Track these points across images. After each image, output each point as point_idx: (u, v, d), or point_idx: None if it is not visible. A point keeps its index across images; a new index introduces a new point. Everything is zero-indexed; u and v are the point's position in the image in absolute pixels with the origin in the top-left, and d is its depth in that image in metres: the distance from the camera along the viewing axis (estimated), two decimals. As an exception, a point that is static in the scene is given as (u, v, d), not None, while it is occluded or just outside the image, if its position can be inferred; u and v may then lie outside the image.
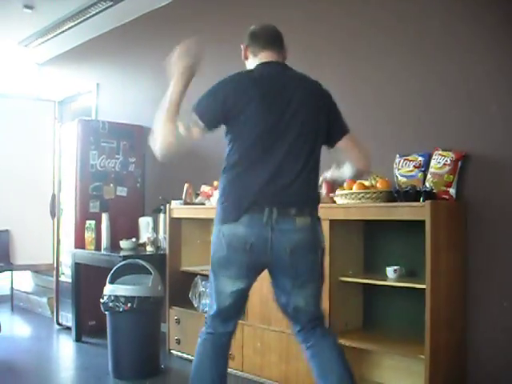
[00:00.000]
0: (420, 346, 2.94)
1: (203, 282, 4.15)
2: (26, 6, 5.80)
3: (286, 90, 2.42)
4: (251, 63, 2.60)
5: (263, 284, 3.62)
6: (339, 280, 3.34)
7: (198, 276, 4.26)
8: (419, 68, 3.54)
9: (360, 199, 3.25)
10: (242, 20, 4.74)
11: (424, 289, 2.89)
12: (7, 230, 6.74)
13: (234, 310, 2.53)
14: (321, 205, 3.38)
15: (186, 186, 4.45)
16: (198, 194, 4.40)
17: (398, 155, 3.46)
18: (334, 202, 3.43)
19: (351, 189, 3.34)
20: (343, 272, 3.39)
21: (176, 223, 4.50)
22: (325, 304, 3.28)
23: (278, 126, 2.37)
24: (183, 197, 4.43)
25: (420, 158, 3.35)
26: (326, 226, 3.28)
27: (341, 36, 4.01)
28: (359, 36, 3.89)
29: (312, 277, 2.45)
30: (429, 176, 3.25)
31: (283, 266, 2.40)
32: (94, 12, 5.75)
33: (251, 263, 2.40)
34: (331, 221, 3.30)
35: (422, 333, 2.91)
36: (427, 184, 3.22)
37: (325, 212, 3.33)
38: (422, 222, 2.91)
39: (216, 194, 4.13)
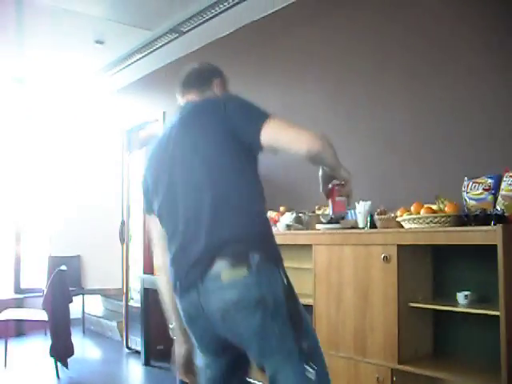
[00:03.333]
0: (495, 374, 2.84)
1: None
2: (97, 41, 6.07)
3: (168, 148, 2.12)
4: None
5: (330, 308, 3.63)
6: (408, 306, 3.27)
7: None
8: (486, 86, 3.48)
9: (428, 223, 3.20)
10: (310, 46, 4.81)
11: (498, 316, 2.81)
12: (78, 256, 6.99)
13: None
14: (387, 229, 3.41)
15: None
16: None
17: (466, 178, 3.39)
18: (401, 226, 3.39)
19: (418, 213, 3.29)
20: (412, 298, 3.33)
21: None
22: (393, 330, 3.24)
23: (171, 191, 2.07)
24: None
25: (490, 180, 3.27)
26: (393, 251, 3.27)
27: (401, 53, 4.00)
28: (420, 53, 3.87)
29: (266, 349, 1.89)
30: (500, 199, 3.17)
31: (226, 335, 1.97)
32: (161, 44, 5.95)
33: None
34: (399, 246, 3.26)
35: (497, 361, 2.81)
36: (498, 207, 3.13)
37: (392, 237, 3.32)
38: (494, 247, 2.83)
39: (282, 220, 4.15)
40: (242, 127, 1.98)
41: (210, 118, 2.04)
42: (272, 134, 1.94)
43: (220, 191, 1.95)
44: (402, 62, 3.99)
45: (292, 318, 1.91)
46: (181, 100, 2.34)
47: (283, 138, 1.96)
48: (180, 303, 2.05)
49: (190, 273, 1.94)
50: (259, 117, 1.97)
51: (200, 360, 2.13)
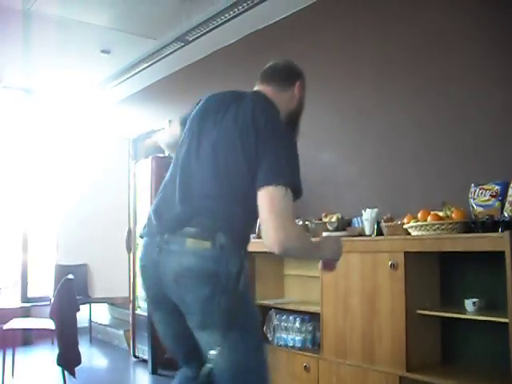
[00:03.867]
0: (504, 382, 2.84)
1: (277, 316, 4.15)
2: (103, 51, 6.10)
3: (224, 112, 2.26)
4: None
5: (338, 316, 3.62)
6: (416, 313, 3.27)
7: (273, 310, 4.27)
8: (492, 93, 3.49)
9: (435, 230, 3.20)
10: (314, 53, 4.82)
11: (507, 323, 2.80)
12: (85, 264, 6.99)
13: None
14: (394, 237, 3.41)
15: (258, 220, 4.48)
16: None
17: (472, 184, 3.38)
18: (408, 233, 3.39)
19: (425, 220, 3.29)
20: (420, 305, 3.32)
21: (250, 257, 4.51)
22: (401, 337, 3.23)
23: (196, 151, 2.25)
24: (256, 231, 4.46)
25: (496, 187, 3.27)
26: (400, 259, 3.26)
27: (408, 60, 4.01)
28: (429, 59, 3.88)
29: (207, 322, 1.98)
30: (507, 205, 3.16)
31: (172, 297, 2.08)
32: (166, 53, 5.98)
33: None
34: (406, 253, 3.26)
35: (506, 368, 2.80)
36: (505, 213, 3.12)
37: (399, 244, 3.32)
38: (502, 253, 2.82)
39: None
40: (261, 167, 2.03)
41: (256, 129, 2.09)
42: (260, 202, 2.02)
43: (225, 183, 2.08)
44: (409, 70, 4.00)
45: (239, 301, 1.99)
46: (257, 85, 2.39)
47: (262, 215, 2.03)
48: (142, 246, 2.20)
49: (164, 225, 2.09)
50: (274, 175, 2.02)
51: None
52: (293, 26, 5.02)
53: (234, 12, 4.92)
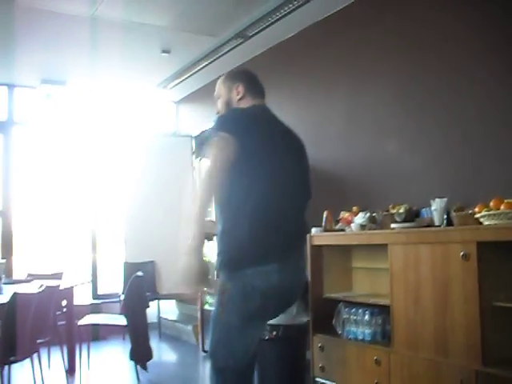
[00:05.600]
0: None
1: (346, 309, 4.12)
2: (164, 51, 6.19)
3: (283, 133, 2.65)
4: (245, 103, 2.66)
5: (408, 308, 3.56)
6: (491, 305, 3.17)
7: (342, 303, 4.24)
8: None
9: (509, 219, 3.09)
10: (374, 44, 4.75)
11: None
12: (153, 261, 7.11)
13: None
14: (466, 227, 3.32)
15: (325, 213, 4.45)
16: (337, 221, 4.39)
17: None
18: (480, 222, 3.29)
19: (498, 208, 3.18)
20: (495, 296, 3.21)
21: (317, 251, 4.50)
22: (476, 330, 3.14)
23: (283, 169, 2.52)
24: (323, 224, 4.43)
25: None
26: (472, 249, 3.17)
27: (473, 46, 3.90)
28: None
29: None
30: None
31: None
32: (226, 50, 6.01)
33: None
34: (479, 243, 3.16)
35: None
36: None
37: (471, 234, 3.23)
38: None
39: (356, 220, 4.12)
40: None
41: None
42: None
43: (306, 199, 2.55)
44: (474, 58, 3.89)
45: None
46: (250, 95, 2.69)
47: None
48: (274, 272, 2.34)
49: (291, 246, 2.41)
50: None
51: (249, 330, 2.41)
52: (351, 16, 4.96)
53: (293, 5, 4.89)
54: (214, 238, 2.48)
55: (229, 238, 2.39)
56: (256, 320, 2.41)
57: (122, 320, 5.09)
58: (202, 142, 5.99)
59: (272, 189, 2.36)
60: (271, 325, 3.78)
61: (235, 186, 2.31)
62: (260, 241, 2.32)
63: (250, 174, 2.34)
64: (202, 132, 6.98)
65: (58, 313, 5.11)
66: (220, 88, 2.74)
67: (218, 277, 2.46)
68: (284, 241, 2.36)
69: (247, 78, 2.75)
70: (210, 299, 5.78)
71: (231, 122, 2.41)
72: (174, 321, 7.31)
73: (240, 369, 2.43)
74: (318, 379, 4.42)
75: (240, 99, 2.68)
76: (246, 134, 2.34)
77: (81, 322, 5.15)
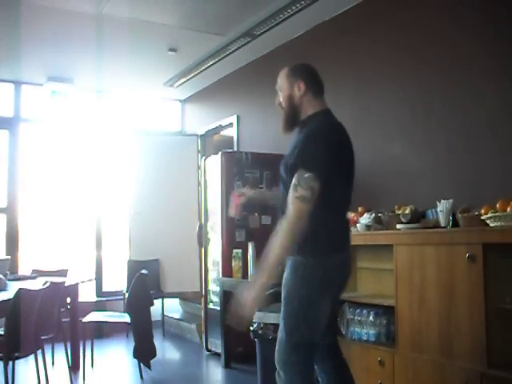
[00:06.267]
0: None
1: (351, 309, 4.11)
2: (171, 49, 6.19)
3: (349, 142, 2.73)
4: (309, 102, 2.71)
5: (413, 309, 3.55)
6: (496, 307, 3.15)
7: (346, 303, 4.22)
8: None
9: (515, 221, 3.08)
10: (384, 45, 4.74)
11: None
12: (157, 260, 7.12)
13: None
14: (472, 228, 3.30)
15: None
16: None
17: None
18: (486, 224, 3.28)
19: (505, 210, 3.17)
20: (500, 299, 3.20)
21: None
22: (481, 332, 3.13)
23: (348, 173, 2.71)
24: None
25: None
26: (478, 251, 3.16)
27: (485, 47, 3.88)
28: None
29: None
30: None
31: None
32: (234, 48, 6.00)
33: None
34: (485, 245, 3.15)
35: None
36: None
37: (477, 235, 3.22)
38: None
39: (361, 220, 4.11)
40: None
41: None
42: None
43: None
44: (482, 58, 3.87)
45: None
46: (312, 94, 2.73)
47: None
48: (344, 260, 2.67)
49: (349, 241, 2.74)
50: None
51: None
52: (359, 16, 4.94)
53: (300, 4, 4.89)
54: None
55: (315, 229, 2.49)
56: (329, 298, 2.60)
57: (125, 318, 5.10)
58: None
59: (345, 189, 2.66)
60: (274, 324, 3.79)
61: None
62: (340, 232, 2.67)
63: (334, 181, 2.53)
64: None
65: (63, 310, 5.11)
66: (282, 81, 2.80)
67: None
68: (347, 237, 2.73)
69: (308, 74, 2.79)
70: (213, 298, 5.78)
71: (320, 160, 2.48)
72: (178, 319, 7.31)
73: (313, 344, 2.60)
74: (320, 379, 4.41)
75: (301, 96, 2.72)
76: (333, 164, 2.51)
77: (85, 319, 5.15)
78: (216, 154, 5.81)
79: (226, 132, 7.36)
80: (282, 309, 2.62)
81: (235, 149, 6.78)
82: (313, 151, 2.47)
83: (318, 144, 2.49)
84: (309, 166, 2.42)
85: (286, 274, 2.62)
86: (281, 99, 2.79)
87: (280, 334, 2.64)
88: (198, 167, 7.06)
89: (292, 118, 2.72)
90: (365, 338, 4.00)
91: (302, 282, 2.55)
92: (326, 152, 2.47)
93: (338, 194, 2.60)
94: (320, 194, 2.41)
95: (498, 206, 3.25)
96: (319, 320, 2.58)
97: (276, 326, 3.75)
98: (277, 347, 2.65)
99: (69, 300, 5.28)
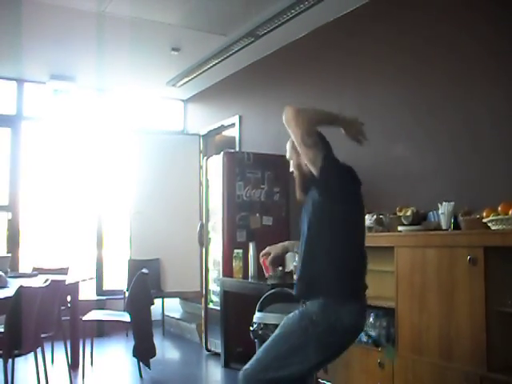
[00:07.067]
0: None
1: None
2: (174, 49, 6.19)
3: None
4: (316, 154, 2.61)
5: (413, 311, 3.55)
6: (497, 310, 3.15)
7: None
8: None
9: (517, 224, 3.07)
10: (386, 45, 4.74)
11: None
12: (158, 259, 7.12)
13: None
14: (473, 231, 3.30)
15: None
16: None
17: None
18: (488, 227, 3.27)
19: (507, 213, 3.17)
20: (501, 302, 3.20)
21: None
22: (481, 335, 3.13)
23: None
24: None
25: None
26: (480, 254, 3.16)
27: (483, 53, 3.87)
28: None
29: None
30: None
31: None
32: (237, 48, 6.00)
33: None
34: (486, 248, 3.15)
35: None
36: None
37: (478, 238, 3.22)
38: None
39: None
40: None
41: None
42: None
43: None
44: (483, 61, 3.86)
45: None
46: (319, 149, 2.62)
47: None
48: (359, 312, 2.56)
49: (365, 288, 2.64)
50: None
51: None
52: (362, 17, 4.94)
53: (304, 5, 4.88)
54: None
55: (327, 275, 2.56)
56: (328, 353, 2.56)
57: (126, 317, 5.10)
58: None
59: (355, 237, 2.64)
60: (274, 325, 3.77)
61: (329, 234, 2.58)
62: (350, 282, 2.57)
63: (341, 227, 2.57)
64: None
65: (63, 308, 5.11)
66: (290, 151, 2.83)
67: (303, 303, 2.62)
68: (363, 283, 2.63)
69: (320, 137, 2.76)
70: (214, 298, 5.78)
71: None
72: (178, 319, 7.31)
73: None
74: (320, 381, 4.41)
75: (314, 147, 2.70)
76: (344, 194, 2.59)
77: (85, 318, 5.15)
78: (218, 153, 5.81)
79: (228, 132, 7.36)
80: (268, 341, 2.63)
81: (237, 149, 6.78)
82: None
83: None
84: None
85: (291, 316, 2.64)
86: (292, 168, 2.84)
87: (258, 355, 2.62)
88: (200, 167, 7.07)
89: (304, 184, 2.77)
90: (364, 339, 4.00)
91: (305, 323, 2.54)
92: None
93: (342, 243, 2.60)
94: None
95: (499, 209, 3.25)
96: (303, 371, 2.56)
97: (276, 326, 3.75)
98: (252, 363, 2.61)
99: (69, 298, 5.28)
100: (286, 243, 3.12)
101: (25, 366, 4.63)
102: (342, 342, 2.54)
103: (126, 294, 6.06)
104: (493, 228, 3.23)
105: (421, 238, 3.62)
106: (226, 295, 5.26)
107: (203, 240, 6.05)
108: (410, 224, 3.77)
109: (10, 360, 3.84)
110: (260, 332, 3.86)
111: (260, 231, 5.54)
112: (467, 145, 3.96)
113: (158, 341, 5.46)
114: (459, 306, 3.29)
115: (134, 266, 6.51)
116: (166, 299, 7.22)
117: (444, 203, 3.64)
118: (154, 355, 5.07)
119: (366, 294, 2.63)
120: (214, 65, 6.60)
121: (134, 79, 7.44)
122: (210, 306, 5.85)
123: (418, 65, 4.39)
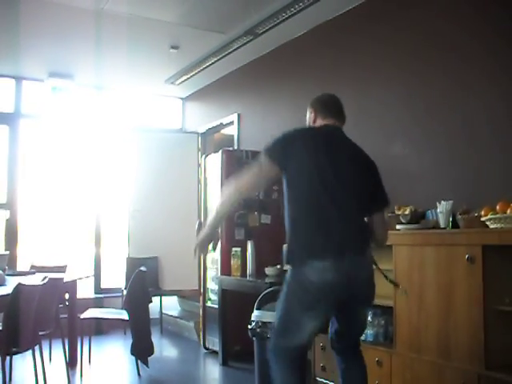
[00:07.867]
0: None
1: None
2: (172, 47, 6.19)
3: (344, 147, 2.85)
4: (318, 124, 2.98)
5: (412, 310, 3.55)
6: (495, 309, 3.15)
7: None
8: None
9: (515, 223, 3.08)
10: (385, 45, 4.73)
11: None
12: (156, 257, 7.12)
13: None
14: (471, 229, 3.30)
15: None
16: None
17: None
18: (486, 226, 3.28)
19: (505, 212, 3.17)
20: (499, 300, 3.20)
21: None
22: (479, 334, 3.13)
23: (338, 176, 2.69)
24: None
25: None
26: (478, 252, 3.16)
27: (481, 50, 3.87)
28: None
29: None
30: None
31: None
32: (235, 47, 6.00)
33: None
34: (484, 246, 3.15)
35: None
36: None
37: (477, 237, 3.22)
38: None
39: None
40: (377, 195, 3.02)
41: (372, 168, 3.00)
42: (380, 218, 3.01)
43: (366, 206, 2.86)
44: (482, 59, 3.86)
45: None
46: (321, 118, 2.97)
47: (379, 230, 2.98)
48: (328, 267, 2.58)
49: (344, 246, 2.61)
50: (387, 198, 3.09)
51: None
52: (361, 16, 4.94)
53: (303, 3, 4.88)
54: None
55: (290, 239, 2.72)
56: (312, 311, 2.64)
57: (123, 315, 5.10)
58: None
59: (322, 197, 2.66)
60: (271, 323, 3.77)
61: (288, 196, 2.74)
62: (313, 242, 2.63)
63: (298, 186, 2.71)
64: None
65: (61, 306, 5.10)
66: (307, 114, 3.08)
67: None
68: (335, 241, 2.61)
69: (319, 103, 3.04)
70: (212, 296, 5.78)
71: (277, 145, 2.82)
72: (176, 317, 7.31)
73: (290, 352, 2.74)
74: (318, 379, 4.42)
75: (313, 122, 3.03)
76: (291, 152, 2.73)
77: (83, 316, 5.15)
78: (216, 152, 5.81)
79: (226, 130, 7.35)
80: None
81: (236, 147, 6.78)
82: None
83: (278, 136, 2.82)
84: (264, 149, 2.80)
85: None
86: None
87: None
88: (199, 165, 7.07)
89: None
90: (362, 337, 3.99)
91: (286, 289, 2.73)
92: (283, 138, 2.81)
93: (312, 194, 2.68)
94: (290, 196, 2.72)
95: (497, 207, 3.25)
96: (297, 333, 2.70)
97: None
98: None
99: (67, 296, 5.28)
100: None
101: (23, 363, 4.63)
102: (319, 297, 2.61)
103: (124, 292, 6.06)
104: (491, 226, 3.23)
105: (419, 236, 3.62)
106: (224, 293, 5.26)
107: (201, 238, 6.03)
108: (409, 222, 3.77)
109: (7, 358, 3.84)
110: (258, 330, 3.87)
111: (258, 229, 5.54)
112: (465, 143, 3.96)
113: (155, 339, 5.47)
114: (457, 304, 3.29)
115: (132, 264, 6.51)
116: (164, 297, 7.21)
117: (442, 202, 3.64)
118: (152, 353, 5.06)
119: (355, 249, 2.67)
120: (213, 63, 6.60)
121: (133, 77, 7.43)
122: (208, 304, 5.85)
123: (415, 64, 4.39)
